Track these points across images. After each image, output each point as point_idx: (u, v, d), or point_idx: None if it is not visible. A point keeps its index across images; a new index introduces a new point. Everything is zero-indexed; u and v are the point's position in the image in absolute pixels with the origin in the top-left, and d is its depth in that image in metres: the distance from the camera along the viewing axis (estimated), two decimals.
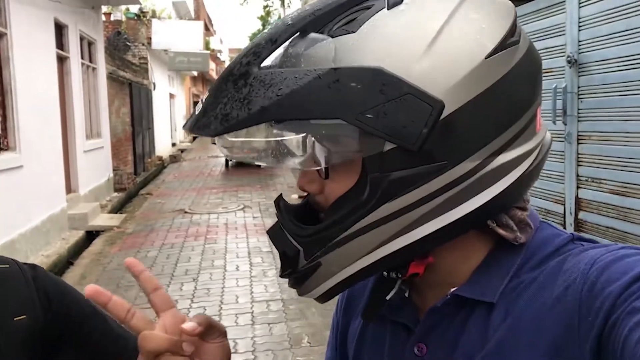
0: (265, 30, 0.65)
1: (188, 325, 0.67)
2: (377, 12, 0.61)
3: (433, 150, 0.59)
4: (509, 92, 0.61)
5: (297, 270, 0.68)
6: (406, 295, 0.73)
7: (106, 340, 1.10)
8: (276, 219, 0.73)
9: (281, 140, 0.65)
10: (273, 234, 0.71)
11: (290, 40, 0.62)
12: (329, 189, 0.67)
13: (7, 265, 1.01)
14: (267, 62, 0.62)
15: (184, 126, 0.66)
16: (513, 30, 0.63)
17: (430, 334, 0.70)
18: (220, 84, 0.62)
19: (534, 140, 0.65)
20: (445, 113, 0.58)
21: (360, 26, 0.60)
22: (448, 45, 0.59)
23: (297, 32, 0.62)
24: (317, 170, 0.67)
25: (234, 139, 0.65)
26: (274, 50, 0.62)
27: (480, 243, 0.69)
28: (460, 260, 0.69)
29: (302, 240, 0.67)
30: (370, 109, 0.57)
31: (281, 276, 0.72)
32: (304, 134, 0.62)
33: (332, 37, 0.61)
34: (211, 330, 0.71)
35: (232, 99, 0.60)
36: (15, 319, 0.97)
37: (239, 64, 0.62)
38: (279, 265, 0.72)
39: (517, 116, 0.62)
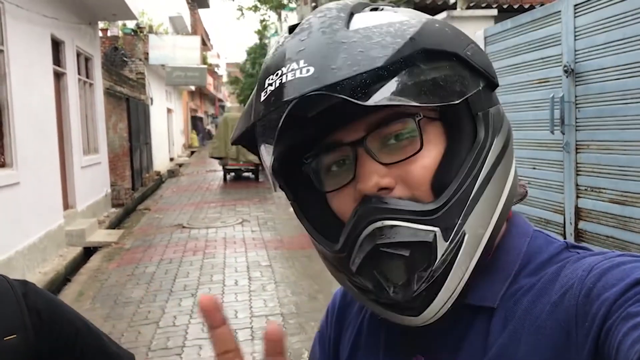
0: (311, 17, 0.67)
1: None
2: None
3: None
4: None
5: (437, 264, 0.61)
6: None
7: (100, 358, 1.07)
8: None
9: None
10: (386, 237, 0.61)
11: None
12: (420, 164, 0.63)
13: None
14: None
15: (271, 95, 0.61)
16: None
17: (431, 344, 0.69)
18: (324, 44, 0.61)
19: None
20: None
21: None
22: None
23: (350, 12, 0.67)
24: (406, 146, 0.64)
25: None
26: (348, 15, 0.65)
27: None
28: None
29: (438, 216, 0.61)
30: (467, 47, 0.65)
31: (406, 298, 0.62)
32: (437, 73, 0.62)
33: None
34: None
35: (357, 47, 0.60)
36: (5, 338, 0.94)
37: (328, 27, 0.63)
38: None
39: None
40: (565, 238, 5.03)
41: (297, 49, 0.61)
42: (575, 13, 4.56)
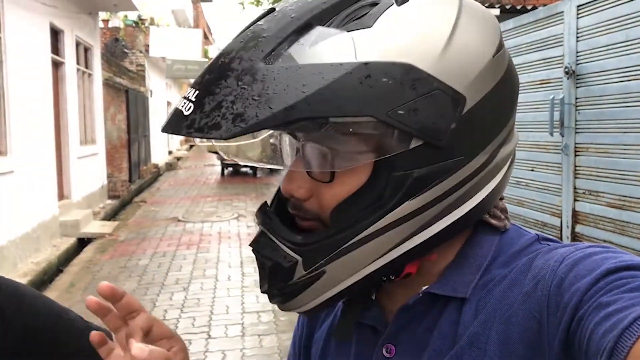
0: (260, 22, 0.61)
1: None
2: (388, 7, 0.60)
3: (454, 146, 0.60)
4: (509, 87, 0.65)
5: (290, 283, 0.64)
6: (373, 297, 0.73)
7: (72, 339, 1.01)
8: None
9: (290, 142, 0.68)
10: (259, 246, 0.66)
11: (295, 33, 0.59)
12: (330, 193, 0.63)
13: None
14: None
15: (164, 128, 0.59)
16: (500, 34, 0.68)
17: (400, 334, 0.70)
18: (216, 80, 0.57)
19: (516, 136, 0.70)
20: (466, 108, 0.60)
21: (375, 21, 0.59)
22: (463, 42, 0.61)
23: (303, 25, 0.59)
24: (310, 173, 0.64)
25: (241, 143, 0.65)
26: (279, 44, 0.58)
27: (459, 239, 0.70)
28: (442, 257, 0.69)
29: (303, 249, 0.63)
30: (401, 105, 0.57)
31: (265, 292, 0.67)
32: (323, 135, 0.60)
33: (347, 31, 0.59)
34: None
35: (241, 96, 0.55)
36: None
37: (239, 58, 0.58)
38: None
39: (513, 110, 0.67)
40: (562, 241, 5.02)
41: None
42: (578, 14, 4.50)
